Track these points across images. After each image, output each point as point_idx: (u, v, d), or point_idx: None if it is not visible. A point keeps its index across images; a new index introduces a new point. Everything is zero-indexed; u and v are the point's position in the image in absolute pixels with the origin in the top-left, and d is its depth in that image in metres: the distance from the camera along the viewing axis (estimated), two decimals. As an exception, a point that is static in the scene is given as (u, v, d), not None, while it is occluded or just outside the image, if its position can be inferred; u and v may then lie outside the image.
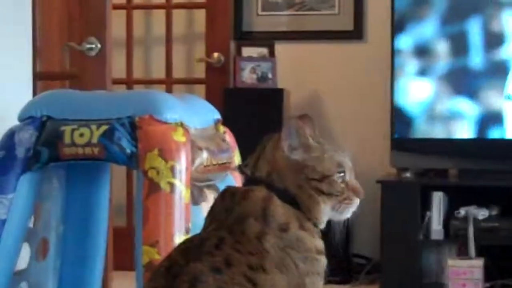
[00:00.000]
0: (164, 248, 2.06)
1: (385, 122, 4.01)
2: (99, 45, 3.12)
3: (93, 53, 3.13)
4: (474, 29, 3.87)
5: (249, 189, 1.75)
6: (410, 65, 3.95)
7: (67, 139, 2.21)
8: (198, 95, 3.24)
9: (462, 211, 3.88)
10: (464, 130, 3.90)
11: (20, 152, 2.24)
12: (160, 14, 4.57)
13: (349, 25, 4.40)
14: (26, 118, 2.26)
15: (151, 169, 2.14)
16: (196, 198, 2.40)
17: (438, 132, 3.92)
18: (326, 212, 1.77)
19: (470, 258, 3.80)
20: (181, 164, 2.15)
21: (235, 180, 2.45)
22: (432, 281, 4.00)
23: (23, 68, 2.82)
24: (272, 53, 4.29)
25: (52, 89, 2.68)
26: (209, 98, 3.65)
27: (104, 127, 2.21)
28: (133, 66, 4.56)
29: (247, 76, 4.22)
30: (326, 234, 1.77)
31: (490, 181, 3.85)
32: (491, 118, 3.88)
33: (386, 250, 3.88)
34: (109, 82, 3.18)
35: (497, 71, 3.88)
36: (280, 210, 1.74)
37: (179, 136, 2.18)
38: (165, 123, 2.19)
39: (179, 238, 2.10)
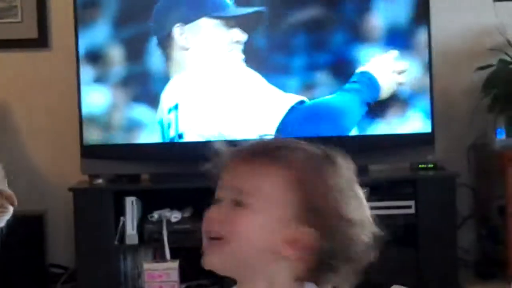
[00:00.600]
0: None
1: (75, 130, 3.96)
2: None
3: None
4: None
5: None
6: (90, 72, 3.93)
7: None
8: None
9: (156, 215, 3.92)
10: (151, 135, 3.93)
11: None
12: None
13: (33, 33, 4.31)
14: None
15: None
16: None
17: (126, 137, 3.93)
18: None
19: (165, 261, 3.85)
20: None
21: None
22: (129, 286, 4.01)
23: None
24: (-46, 63, 4.11)
25: None
26: None
27: None
28: None
29: None
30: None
31: (181, 183, 3.92)
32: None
33: (81, 258, 3.84)
34: None
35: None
36: None
37: None
38: None
39: None
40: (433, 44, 3.97)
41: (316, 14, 3.96)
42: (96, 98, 3.93)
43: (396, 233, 3.93)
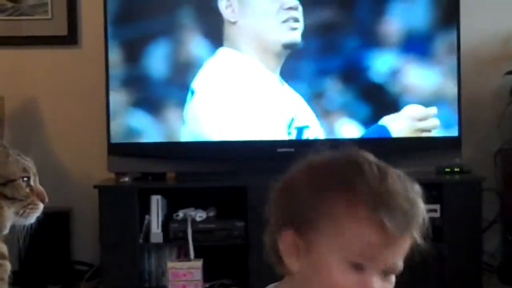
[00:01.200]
0: None
1: (102, 128, 3.98)
2: None
3: None
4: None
5: None
6: (119, 69, 3.95)
7: None
8: None
9: (181, 214, 3.94)
10: (180, 133, 3.94)
11: None
12: None
13: (63, 30, 4.34)
14: None
15: None
16: None
17: (154, 136, 3.94)
18: (9, 217, 1.73)
19: (190, 260, 3.86)
20: None
21: None
22: (153, 284, 4.03)
23: None
24: (-17, 59, 4.15)
25: None
26: None
27: None
28: None
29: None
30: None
31: (207, 182, 3.93)
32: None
33: (106, 255, 3.86)
34: None
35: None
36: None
37: None
38: None
39: None
40: (462, 49, 3.96)
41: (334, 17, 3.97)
42: (124, 96, 3.94)
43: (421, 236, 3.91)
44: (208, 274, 3.85)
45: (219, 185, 3.92)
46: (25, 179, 1.76)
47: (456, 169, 4.04)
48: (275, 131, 3.91)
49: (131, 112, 3.93)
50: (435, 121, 3.95)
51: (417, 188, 1.28)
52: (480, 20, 4.25)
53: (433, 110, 3.95)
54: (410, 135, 3.95)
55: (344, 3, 3.98)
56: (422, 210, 1.26)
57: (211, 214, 4.00)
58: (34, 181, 1.80)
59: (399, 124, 3.94)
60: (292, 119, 3.91)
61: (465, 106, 4.00)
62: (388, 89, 3.96)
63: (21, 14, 4.33)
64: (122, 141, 3.94)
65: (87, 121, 4.30)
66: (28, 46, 4.35)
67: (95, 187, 3.87)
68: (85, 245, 4.24)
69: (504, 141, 4.18)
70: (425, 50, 3.96)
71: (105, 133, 3.95)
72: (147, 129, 3.93)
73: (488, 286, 3.87)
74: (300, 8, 3.91)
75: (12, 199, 1.74)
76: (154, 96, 3.94)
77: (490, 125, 4.23)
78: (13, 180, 1.74)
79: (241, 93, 3.91)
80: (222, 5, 3.90)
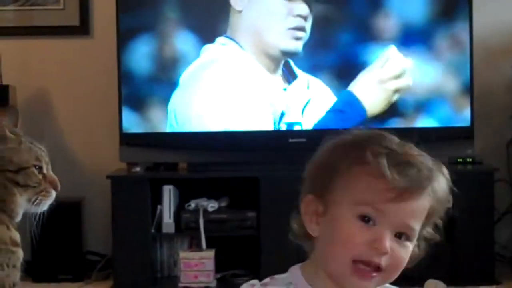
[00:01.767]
0: None
1: (114, 117, 3.99)
2: None
3: None
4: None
5: None
6: (131, 59, 3.95)
7: None
8: None
9: (193, 204, 3.94)
10: (190, 123, 3.94)
11: None
12: None
13: (75, 21, 4.34)
14: None
15: None
16: None
17: (165, 126, 3.94)
18: (22, 204, 1.74)
19: (201, 250, 3.86)
20: None
21: None
22: (165, 274, 4.04)
23: None
24: (-5, 49, 4.16)
25: None
26: None
27: None
28: None
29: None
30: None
31: (219, 172, 3.93)
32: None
33: (118, 245, 3.86)
34: None
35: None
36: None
37: None
38: None
39: None
40: (474, 39, 3.94)
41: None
42: (136, 86, 3.94)
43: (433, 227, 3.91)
44: (220, 264, 3.86)
45: (231, 175, 3.92)
46: (38, 166, 1.77)
47: (468, 160, 4.03)
48: (288, 121, 3.91)
49: (145, 101, 3.94)
50: (409, 80, 3.92)
51: (442, 168, 1.31)
52: (492, 12, 4.23)
53: (409, 62, 3.92)
54: (382, 101, 3.92)
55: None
56: (441, 183, 1.29)
57: (223, 204, 4.00)
58: (47, 169, 1.80)
59: (367, 88, 3.91)
60: (283, 114, 3.89)
61: (477, 97, 3.99)
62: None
63: (33, 4, 4.34)
64: (134, 131, 3.94)
65: (99, 111, 4.30)
66: (40, 36, 4.36)
67: (107, 177, 3.88)
68: (97, 235, 4.25)
69: (516, 132, 4.17)
70: (438, 41, 3.94)
71: (117, 123, 3.95)
72: (159, 119, 3.93)
73: (500, 276, 3.86)
74: (310, 18, 3.88)
75: (24, 186, 1.74)
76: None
77: (502, 116, 4.22)
78: (26, 168, 1.74)
79: (255, 83, 3.91)
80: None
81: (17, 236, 1.75)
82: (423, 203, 1.24)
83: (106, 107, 4.22)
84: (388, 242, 1.21)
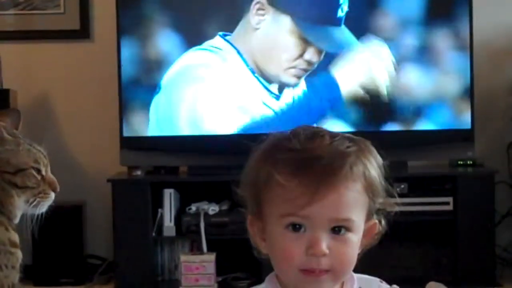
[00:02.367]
0: None
1: (115, 121, 3.99)
2: None
3: None
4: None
5: None
6: (131, 63, 3.95)
7: None
8: None
9: (193, 207, 3.94)
10: (189, 127, 3.94)
11: None
12: None
13: (75, 24, 4.35)
14: None
15: None
16: None
17: (166, 130, 3.94)
18: (20, 206, 1.73)
19: (202, 253, 3.86)
20: None
21: None
22: (166, 278, 4.04)
23: None
24: (-5, 54, 4.17)
25: None
26: None
27: None
28: None
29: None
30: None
31: (220, 176, 3.92)
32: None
33: (119, 249, 3.86)
34: None
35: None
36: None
37: None
38: None
39: None
40: (474, 41, 3.94)
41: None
42: (137, 90, 3.94)
43: (434, 229, 3.91)
44: (221, 268, 3.85)
45: (232, 179, 3.91)
46: (36, 169, 1.77)
47: (469, 162, 4.03)
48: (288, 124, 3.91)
49: (146, 105, 3.94)
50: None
51: (361, 144, 1.27)
52: (493, 13, 4.23)
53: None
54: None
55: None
56: (364, 162, 1.24)
57: (224, 207, 4.00)
58: (46, 171, 1.80)
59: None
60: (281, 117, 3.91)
61: (477, 99, 3.99)
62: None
63: (33, 8, 4.34)
64: (135, 134, 3.94)
65: (100, 115, 4.31)
66: (41, 40, 4.36)
67: (108, 180, 3.88)
68: (98, 239, 4.25)
69: (517, 134, 4.17)
70: (438, 43, 3.94)
71: (117, 126, 3.96)
72: (159, 122, 3.93)
73: (502, 279, 3.86)
74: (316, 65, 3.89)
75: (22, 188, 1.74)
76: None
77: (503, 118, 4.22)
78: (24, 170, 1.74)
79: (255, 87, 3.91)
80: (254, 7, 3.89)
81: (16, 237, 1.75)
82: (348, 192, 1.21)
83: (106, 111, 4.22)
84: (324, 244, 1.19)
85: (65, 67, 4.37)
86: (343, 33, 3.88)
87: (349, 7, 3.87)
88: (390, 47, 3.93)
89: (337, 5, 3.86)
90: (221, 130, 3.92)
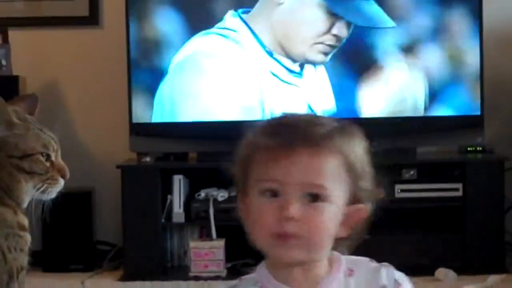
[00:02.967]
0: None
1: (124, 107, 3.99)
2: None
3: None
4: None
5: None
6: (140, 50, 3.95)
7: None
8: None
9: (203, 193, 3.94)
10: (200, 113, 3.94)
11: None
12: None
13: (84, 11, 4.34)
14: None
15: None
16: None
17: (175, 116, 3.94)
18: (28, 191, 1.73)
19: (211, 239, 3.87)
20: None
21: None
22: (175, 264, 4.05)
23: None
24: (5, 40, 4.16)
25: None
26: None
27: None
28: None
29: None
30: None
31: (228, 162, 3.92)
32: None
33: (128, 235, 3.87)
34: None
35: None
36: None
37: None
38: None
39: None
40: (484, 27, 3.93)
41: None
42: (146, 76, 3.94)
43: (443, 216, 3.91)
44: (230, 254, 3.86)
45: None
46: (45, 154, 1.76)
47: (478, 149, 4.02)
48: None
49: (155, 91, 3.94)
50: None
51: (348, 128, 1.28)
52: (503, 0, 4.22)
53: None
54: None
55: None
56: (347, 140, 1.26)
57: (233, 193, 4.00)
58: (56, 157, 1.80)
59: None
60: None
61: (487, 86, 3.97)
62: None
63: (42, -5, 4.34)
64: (144, 121, 3.95)
65: (109, 101, 4.31)
66: (50, 27, 4.36)
67: (117, 167, 3.88)
68: (107, 225, 4.26)
69: (527, 120, 4.16)
70: (447, 28, 3.93)
71: (127, 113, 3.96)
72: (168, 108, 3.93)
73: (511, 265, 3.86)
74: (344, 40, 3.85)
75: (31, 173, 1.73)
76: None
77: (513, 104, 4.21)
78: (31, 155, 1.74)
79: (271, 70, 3.90)
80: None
81: (25, 220, 1.75)
82: (323, 160, 1.23)
83: (116, 97, 4.22)
84: (294, 208, 1.21)
85: (74, 54, 4.37)
86: (372, 6, 3.84)
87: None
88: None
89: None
90: (231, 116, 3.91)
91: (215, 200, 3.91)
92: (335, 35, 3.84)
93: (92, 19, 4.35)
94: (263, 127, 1.28)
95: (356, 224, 1.28)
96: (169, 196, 3.91)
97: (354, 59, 3.93)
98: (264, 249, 1.27)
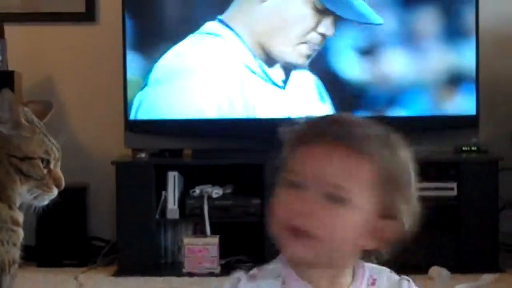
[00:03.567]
0: None
1: (119, 104, 3.99)
2: None
3: None
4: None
5: None
6: (136, 47, 3.95)
7: None
8: None
9: (197, 190, 3.95)
10: (195, 110, 3.94)
11: None
12: None
13: (80, 7, 4.34)
14: None
15: None
16: None
17: (170, 113, 3.94)
18: (21, 193, 1.73)
19: (206, 236, 3.87)
20: None
21: None
22: (169, 260, 4.05)
23: None
24: (1, 35, 4.15)
25: None
26: None
27: None
28: None
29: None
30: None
31: (223, 159, 3.93)
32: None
33: (123, 231, 3.88)
34: None
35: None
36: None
37: None
38: None
39: None
40: (480, 27, 3.93)
41: None
42: (142, 72, 3.94)
43: (438, 215, 3.91)
44: (224, 251, 3.87)
45: (236, 162, 3.93)
46: (45, 160, 1.76)
47: (473, 148, 4.03)
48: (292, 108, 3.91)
49: (150, 88, 3.94)
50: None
51: (392, 139, 1.27)
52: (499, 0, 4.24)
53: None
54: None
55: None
56: (387, 151, 1.22)
57: (228, 191, 4.01)
58: (55, 165, 1.80)
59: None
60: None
61: (483, 85, 3.98)
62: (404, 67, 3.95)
63: (39, -9, 4.34)
64: (139, 117, 3.94)
65: (105, 98, 4.31)
66: (46, 22, 4.36)
67: (112, 163, 3.89)
68: (101, 220, 4.26)
69: (521, 120, 4.17)
70: (443, 27, 3.93)
71: (122, 109, 3.96)
72: (164, 105, 3.93)
73: (505, 266, 3.86)
74: (330, 39, 3.84)
75: (27, 176, 1.74)
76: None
77: (508, 104, 4.21)
78: (31, 158, 1.74)
79: (259, 71, 3.90)
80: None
81: (19, 215, 1.75)
82: (350, 161, 1.18)
83: (111, 93, 4.22)
84: (310, 203, 1.17)
85: (70, 50, 4.37)
86: (360, 3, 3.84)
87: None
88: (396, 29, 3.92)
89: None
90: (226, 113, 3.91)
91: (209, 197, 3.92)
92: (321, 34, 3.83)
93: (88, 15, 4.35)
94: (307, 122, 1.25)
95: (388, 239, 1.24)
96: (163, 193, 3.91)
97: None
98: (277, 244, 1.21)
